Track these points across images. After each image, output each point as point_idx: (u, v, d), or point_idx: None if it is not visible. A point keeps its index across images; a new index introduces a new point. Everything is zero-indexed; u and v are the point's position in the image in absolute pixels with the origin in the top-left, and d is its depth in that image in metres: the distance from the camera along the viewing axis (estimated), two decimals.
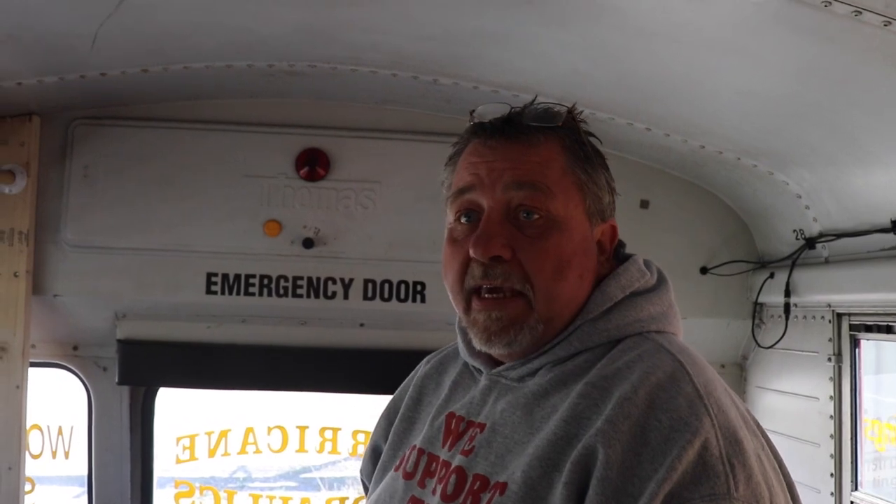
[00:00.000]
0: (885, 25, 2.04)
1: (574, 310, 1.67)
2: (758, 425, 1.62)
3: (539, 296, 1.62)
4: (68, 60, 3.12)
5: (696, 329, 4.01)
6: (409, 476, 1.74)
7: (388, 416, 1.98)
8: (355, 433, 4.69)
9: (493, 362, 1.75)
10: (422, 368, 2.00)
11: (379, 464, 1.91)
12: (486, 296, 1.64)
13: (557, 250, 1.63)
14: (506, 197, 1.64)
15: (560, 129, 1.69)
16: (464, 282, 1.67)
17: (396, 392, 2.02)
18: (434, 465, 1.71)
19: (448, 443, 1.71)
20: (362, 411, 4.23)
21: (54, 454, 4.35)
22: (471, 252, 1.63)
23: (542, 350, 1.67)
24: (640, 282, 1.72)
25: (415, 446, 1.79)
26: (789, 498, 1.55)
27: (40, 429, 4.32)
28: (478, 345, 1.69)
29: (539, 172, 1.65)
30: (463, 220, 1.69)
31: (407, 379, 2.02)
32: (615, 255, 1.79)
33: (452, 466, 1.65)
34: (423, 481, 1.71)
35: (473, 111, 1.74)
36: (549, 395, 1.62)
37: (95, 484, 3.99)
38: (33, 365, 3.71)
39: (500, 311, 1.63)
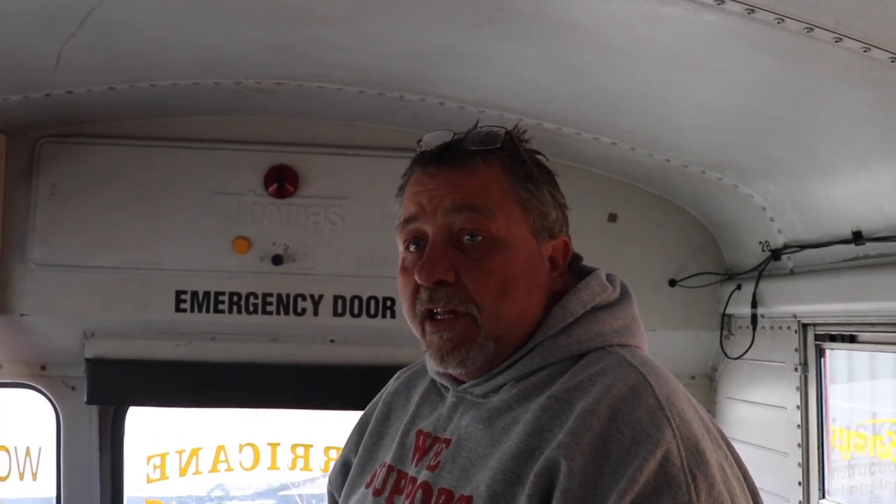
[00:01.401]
0: (836, 42, 2.08)
1: (526, 326, 1.70)
2: (722, 436, 1.64)
3: (485, 315, 1.65)
4: (33, 79, 3.12)
5: (665, 341, 4.04)
6: (378, 493, 1.76)
7: (360, 431, 2.00)
8: (327, 450, 4.68)
9: (459, 379, 1.77)
10: (392, 385, 2.02)
11: (348, 479, 1.92)
12: (438, 318, 1.67)
13: (501, 270, 1.66)
14: (447, 221, 1.68)
15: (500, 150, 1.72)
16: (415, 307, 1.70)
17: (368, 407, 2.04)
18: (403, 481, 1.73)
19: (415, 459, 1.73)
20: (334, 427, 4.23)
21: (22, 476, 4.30)
22: (416, 278, 1.66)
23: (504, 366, 1.69)
24: (601, 296, 1.75)
25: (385, 463, 1.81)
26: None
27: (7, 450, 4.27)
28: (434, 366, 1.73)
29: (478, 195, 1.68)
30: (412, 248, 1.73)
31: (378, 394, 2.04)
32: (576, 270, 1.81)
33: (419, 482, 1.67)
34: (392, 498, 1.72)
35: (420, 140, 1.78)
36: (511, 409, 1.64)
37: None
38: (0, 385, 3.68)
39: (450, 331, 1.67)
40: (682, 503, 1.42)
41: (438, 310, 1.67)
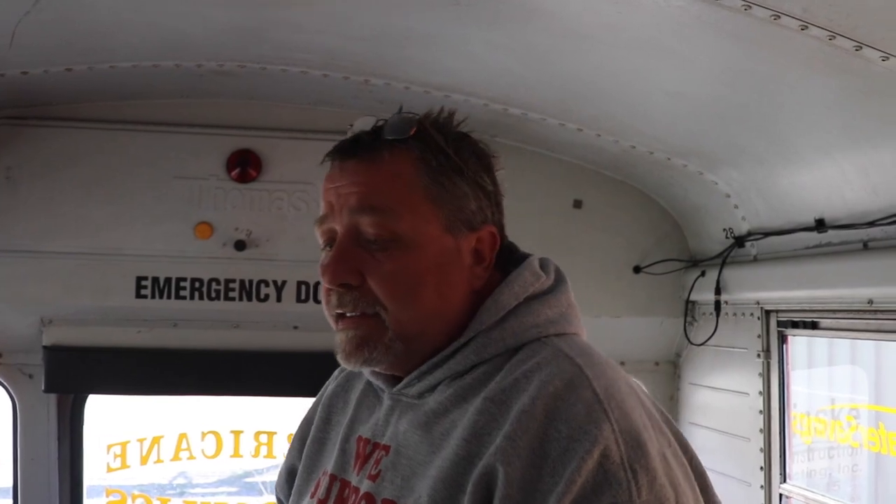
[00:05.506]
0: (802, 29, 2.08)
1: (443, 325, 1.64)
2: (667, 420, 1.61)
3: (391, 317, 1.61)
4: None
5: (629, 328, 4.06)
6: (322, 503, 1.72)
7: (302, 437, 1.94)
8: (290, 437, 4.64)
9: (394, 380, 1.71)
10: (330, 386, 1.95)
11: (294, 487, 1.87)
12: (347, 315, 1.63)
13: (406, 272, 1.60)
14: (352, 222, 1.61)
15: (413, 139, 1.64)
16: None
17: (308, 410, 1.98)
18: (346, 490, 1.69)
19: (357, 467, 1.69)
20: (297, 414, 4.19)
21: None
22: (321, 279, 1.63)
23: (435, 362, 1.63)
24: (534, 286, 1.68)
25: (326, 471, 1.76)
26: (699, 494, 1.54)
27: None
28: (341, 362, 1.67)
29: (380, 193, 1.61)
30: (328, 248, 1.67)
31: (317, 397, 1.98)
32: (512, 260, 1.74)
33: (361, 492, 1.63)
34: None
35: (352, 125, 1.71)
36: (449, 411, 1.59)
37: (22, 495, 3.87)
38: None
39: (355, 329, 1.62)
40: (622, 501, 1.38)
41: (340, 312, 1.63)
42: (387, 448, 1.64)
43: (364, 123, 1.68)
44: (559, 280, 1.74)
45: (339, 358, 1.66)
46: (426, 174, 1.63)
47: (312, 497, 1.76)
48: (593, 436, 1.42)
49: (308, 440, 1.89)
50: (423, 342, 1.64)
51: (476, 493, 1.44)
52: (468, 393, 1.58)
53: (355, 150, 1.64)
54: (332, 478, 1.73)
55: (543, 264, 1.75)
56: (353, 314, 1.62)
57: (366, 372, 1.78)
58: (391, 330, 1.61)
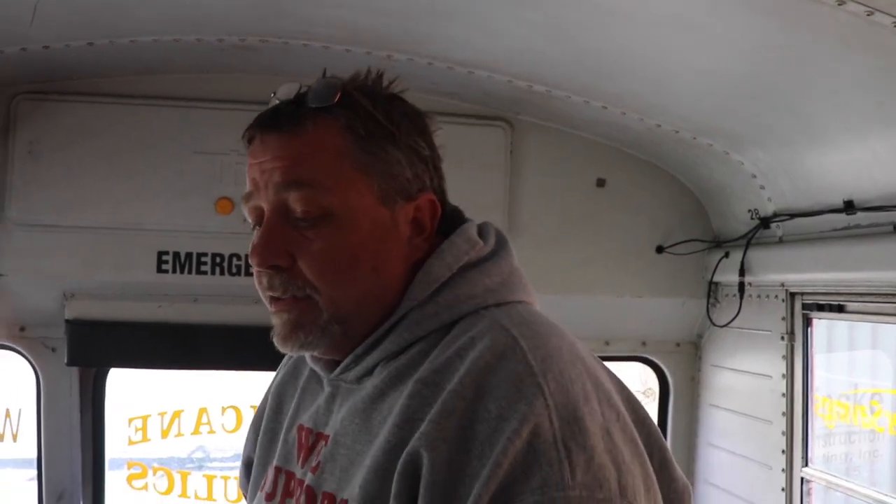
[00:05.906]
0: (840, 5, 2.02)
1: (381, 302, 1.54)
2: (622, 390, 1.50)
3: (324, 298, 1.51)
4: (7, 33, 3.01)
5: (651, 308, 4.03)
6: (270, 497, 1.67)
7: (255, 427, 1.86)
8: None
9: (333, 365, 1.62)
10: (280, 373, 1.88)
11: (251, 480, 1.82)
12: (281, 298, 1.54)
13: (337, 250, 1.50)
14: (279, 199, 1.51)
15: (338, 106, 1.52)
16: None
17: (261, 400, 1.91)
18: (292, 483, 1.63)
19: (300, 458, 1.63)
20: None
21: (1, 437, 4.26)
22: (250, 260, 1.54)
23: (369, 344, 1.54)
24: (469, 254, 1.56)
25: (273, 465, 1.71)
26: (650, 472, 1.42)
27: None
28: (278, 347, 1.59)
29: (306, 166, 1.50)
30: (257, 227, 1.57)
31: (268, 386, 1.91)
32: (456, 227, 1.62)
33: (304, 485, 1.57)
34: (284, 502, 1.63)
35: (275, 93, 1.59)
36: (385, 395, 1.49)
37: (45, 467, 3.90)
38: None
39: (289, 312, 1.53)
40: (552, 483, 1.27)
41: (273, 295, 1.54)
42: (327, 438, 1.55)
43: (287, 91, 1.56)
44: (500, 245, 1.62)
45: (276, 342, 1.57)
46: (354, 143, 1.51)
47: (262, 490, 1.70)
48: (522, 413, 1.32)
49: (261, 431, 1.81)
50: (360, 323, 1.54)
51: (402, 482, 1.35)
52: (403, 374, 1.48)
53: (276, 123, 1.52)
54: (278, 470, 1.67)
55: (483, 230, 1.63)
56: (285, 297, 1.53)
57: (307, 357, 1.69)
58: (325, 312, 1.51)
